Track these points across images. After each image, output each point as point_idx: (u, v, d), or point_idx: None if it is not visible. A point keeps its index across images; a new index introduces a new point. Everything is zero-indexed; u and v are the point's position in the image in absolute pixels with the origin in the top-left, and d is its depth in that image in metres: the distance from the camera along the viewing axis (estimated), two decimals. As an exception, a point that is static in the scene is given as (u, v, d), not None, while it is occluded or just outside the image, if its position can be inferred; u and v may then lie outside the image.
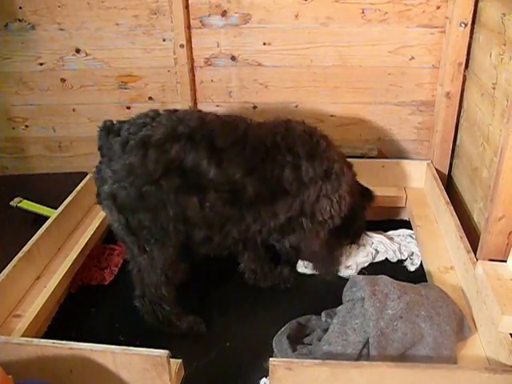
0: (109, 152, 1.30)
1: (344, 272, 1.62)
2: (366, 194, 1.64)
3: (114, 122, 1.35)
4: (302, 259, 1.61)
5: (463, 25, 1.68)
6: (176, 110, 1.38)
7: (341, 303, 1.33)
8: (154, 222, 1.27)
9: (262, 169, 1.30)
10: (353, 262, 1.64)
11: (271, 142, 1.33)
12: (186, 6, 1.82)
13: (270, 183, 1.31)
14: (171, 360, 1.12)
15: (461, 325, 1.25)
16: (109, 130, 1.33)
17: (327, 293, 1.51)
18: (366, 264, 1.65)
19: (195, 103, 1.99)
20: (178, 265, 1.37)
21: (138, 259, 1.34)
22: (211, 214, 1.30)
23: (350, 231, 1.64)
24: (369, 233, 1.74)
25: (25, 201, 1.85)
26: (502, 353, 1.13)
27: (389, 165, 1.93)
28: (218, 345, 1.36)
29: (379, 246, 1.69)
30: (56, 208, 1.69)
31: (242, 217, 1.32)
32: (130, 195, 1.25)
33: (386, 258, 1.68)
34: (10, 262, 1.40)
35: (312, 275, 1.62)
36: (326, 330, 1.27)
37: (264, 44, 1.87)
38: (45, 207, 1.81)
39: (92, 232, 1.70)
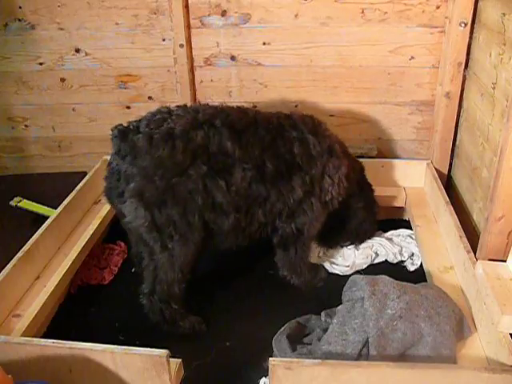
0: (132, 150, 1.30)
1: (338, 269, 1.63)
2: (364, 188, 1.66)
3: (126, 124, 1.36)
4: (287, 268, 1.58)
5: (463, 24, 1.68)
6: (185, 105, 1.44)
7: (340, 303, 1.33)
8: (182, 215, 1.29)
9: (275, 145, 1.40)
10: (351, 263, 1.64)
11: (277, 123, 1.44)
12: (186, 6, 1.82)
13: (284, 158, 1.40)
14: (171, 360, 1.12)
15: (460, 325, 1.25)
16: (124, 132, 1.33)
17: (327, 292, 1.51)
18: (365, 266, 1.65)
19: (195, 103, 1.99)
20: (195, 262, 1.40)
21: (157, 256, 1.34)
22: (238, 197, 1.35)
23: (347, 228, 1.65)
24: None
25: (24, 200, 1.85)
26: (501, 353, 1.13)
27: (388, 164, 1.93)
28: (218, 344, 1.36)
29: (379, 248, 1.69)
30: (56, 208, 1.69)
31: (267, 195, 1.39)
32: (159, 189, 1.27)
33: (386, 260, 1.68)
34: (9, 261, 1.40)
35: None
36: (325, 330, 1.27)
37: (264, 44, 1.87)
38: (44, 207, 1.81)
39: (92, 232, 1.70)
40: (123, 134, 1.32)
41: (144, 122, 1.34)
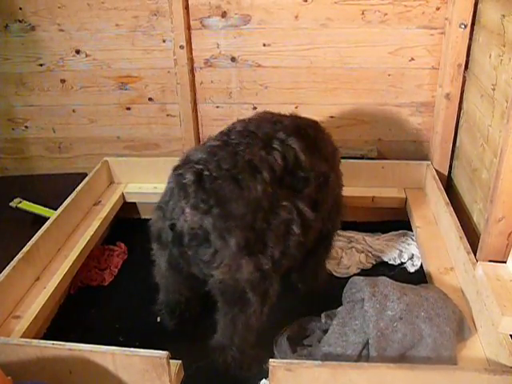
0: (220, 201, 1.10)
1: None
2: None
3: (188, 170, 1.12)
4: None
5: (463, 26, 1.68)
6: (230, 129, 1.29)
7: (340, 304, 1.33)
8: (284, 253, 1.19)
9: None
10: (352, 265, 1.64)
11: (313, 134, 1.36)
12: (186, 7, 1.82)
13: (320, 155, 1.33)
14: (171, 361, 1.12)
15: (461, 326, 1.25)
16: (199, 180, 1.10)
17: (327, 294, 1.51)
18: (365, 268, 1.65)
19: (195, 104, 2.00)
20: None
21: (251, 308, 1.17)
22: (307, 215, 1.23)
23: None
24: (369, 239, 1.74)
25: (24, 201, 1.85)
26: (501, 354, 1.13)
27: (389, 166, 1.92)
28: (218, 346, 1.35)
29: (380, 254, 1.69)
30: (56, 209, 1.69)
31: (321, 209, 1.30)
32: (262, 234, 1.14)
33: (386, 261, 1.68)
34: (9, 262, 1.40)
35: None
36: (325, 332, 1.27)
37: (264, 45, 1.87)
38: (44, 208, 1.81)
39: (92, 233, 1.70)
40: (198, 182, 1.09)
41: (210, 161, 1.13)
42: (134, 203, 2.01)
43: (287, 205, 1.18)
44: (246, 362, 1.25)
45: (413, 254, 1.68)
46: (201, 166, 1.12)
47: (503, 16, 1.42)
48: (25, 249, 1.46)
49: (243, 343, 1.23)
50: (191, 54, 1.91)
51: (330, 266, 1.65)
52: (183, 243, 1.13)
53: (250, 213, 1.11)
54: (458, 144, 1.87)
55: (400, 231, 1.80)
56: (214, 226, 1.09)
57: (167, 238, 1.17)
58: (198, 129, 2.04)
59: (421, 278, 1.54)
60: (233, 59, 1.91)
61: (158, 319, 1.45)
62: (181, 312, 1.39)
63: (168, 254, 1.21)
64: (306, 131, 1.33)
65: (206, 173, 1.11)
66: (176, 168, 1.18)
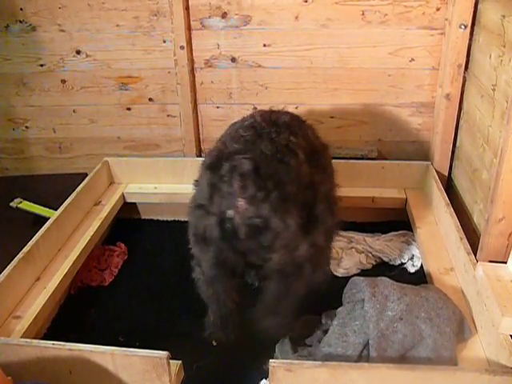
0: (278, 184, 1.11)
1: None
2: None
3: (242, 159, 1.10)
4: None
5: (463, 26, 1.68)
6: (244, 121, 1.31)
7: (341, 304, 1.32)
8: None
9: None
10: (352, 265, 1.64)
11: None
12: (187, 8, 1.82)
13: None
14: (171, 361, 1.12)
15: (461, 326, 1.25)
16: (257, 167, 1.10)
17: (327, 294, 1.51)
18: (365, 268, 1.65)
19: (195, 104, 2.00)
20: None
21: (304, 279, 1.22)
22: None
23: None
24: (369, 240, 1.74)
25: (25, 202, 1.85)
26: (502, 354, 1.13)
27: (389, 166, 1.92)
28: (219, 346, 1.35)
29: (380, 254, 1.69)
30: (56, 209, 1.69)
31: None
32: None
33: (386, 261, 1.68)
34: (9, 262, 1.40)
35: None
36: (325, 332, 1.27)
37: (264, 45, 1.87)
38: (45, 208, 1.81)
39: (92, 233, 1.70)
40: (252, 170, 1.07)
41: (253, 149, 1.14)
42: (135, 203, 2.01)
43: (321, 180, 1.25)
44: (286, 328, 1.30)
45: (413, 255, 1.68)
46: (247, 155, 1.11)
47: (503, 16, 1.42)
48: (25, 249, 1.46)
49: (290, 310, 1.27)
50: (191, 54, 1.91)
51: (331, 266, 1.65)
52: (238, 235, 1.11)
53: (300, 192, 1.14)
54: (458, 144, 1.87)
55: (400, 232, 1.80)
56: (274, 211, 1.09)
57: (215, 235, 1.14)
58: (199, 129, 2.04)
59: (421, 278, 1.54)
60: (233, 60, 1.91)
61: (214, 343, 1.37)
62: (234, 323, 1.34)
63: (214, 252, 1.18)
64: (302, 121, 1.43)
65: (256, 160, 1.10)
66: (214, 163, 1.15)
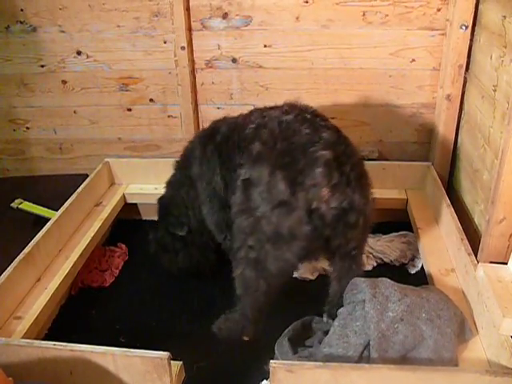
0: (351, 173, 1.20)
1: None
2: None
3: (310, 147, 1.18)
4: None
5: (464, 27, 1.68)
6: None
7: (341, 305, 1.32)
8: None
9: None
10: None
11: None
12: (187, 8, 1.82)
13: None
14: (172, 362, 1.12)
15: (462, 327, 1.25)
16: (333, 159, 1.17)
17: (326, 294, 1.51)
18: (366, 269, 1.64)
19: (196, 105, 2.00)
20: None
21: None
22: None
23: None
24: (369, 240, 1.73)
25: (26, 202, 1.85)
26: (503, 355, 1.13)
27: (389, 167, 1.93)
28: (219, 347, 1.35)
29: (381, 255, 1.68)
30: (57, 210, 1.69)
31: None
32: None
33: (387, 262, 1.68)
34: (10, 263, 1.40)
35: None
36: (326, 333, 1.27)
37: (265, 46, 1.87)
38: (46, 209, 1.82)
39: (93, 234, 1.70)
40: (335, 158, 1.15)
41: (320, 140, 1.18)
42: (135, 204, 2.02)
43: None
44: None
45: (414, 256, 1.68)
46: (320, 146, 1.16)
47: (504, 17, 1.42)
48: (26, 250, 1.46)
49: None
50: (192, 55, 1.91)
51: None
52: (326, 222, 1.16)
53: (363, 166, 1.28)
54: (458, 145, 1.87)
55: (401, 232, 1.79)
56: (356, 191, 1.18)
57: (305, 228, 1.15)
58: (199, 130, 2.05)
59: (422, 279, 1.54)
60: (234, 60, 1.91)
61: (247, 338, 1.36)
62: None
63: (298, 246, 1.19)
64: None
65: (330, 149, 1.16)
66: (286, 160, 1.16)
